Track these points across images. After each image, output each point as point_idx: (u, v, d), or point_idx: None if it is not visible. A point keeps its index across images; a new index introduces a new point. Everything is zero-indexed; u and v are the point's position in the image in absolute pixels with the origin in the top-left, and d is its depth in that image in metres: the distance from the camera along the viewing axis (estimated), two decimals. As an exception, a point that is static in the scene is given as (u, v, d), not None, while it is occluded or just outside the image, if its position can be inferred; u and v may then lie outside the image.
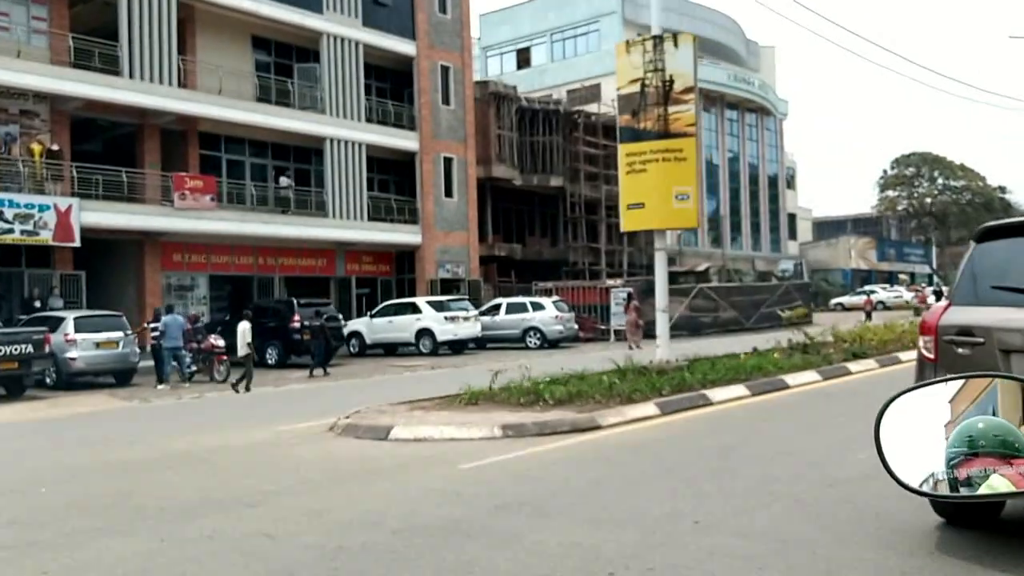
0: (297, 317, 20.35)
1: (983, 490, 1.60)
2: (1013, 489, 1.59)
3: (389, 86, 31.54)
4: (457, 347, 24.59)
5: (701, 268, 43.81)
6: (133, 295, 23.78)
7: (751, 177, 58.23)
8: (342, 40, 27.72)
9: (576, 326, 27.06)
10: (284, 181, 26.41)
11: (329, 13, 27.46)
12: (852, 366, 14.11)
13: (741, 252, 55.77)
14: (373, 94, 30.54)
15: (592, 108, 42.70)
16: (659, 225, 12.90)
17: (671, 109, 11.88)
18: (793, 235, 64.57)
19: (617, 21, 49.34)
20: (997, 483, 1.59)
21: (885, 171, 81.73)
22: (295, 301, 21.15)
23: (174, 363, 17.09)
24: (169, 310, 18.55)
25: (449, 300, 24.82)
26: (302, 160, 28.55)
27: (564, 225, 39.75)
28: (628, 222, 13.06)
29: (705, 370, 12.00)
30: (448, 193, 31.55)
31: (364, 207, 28.18)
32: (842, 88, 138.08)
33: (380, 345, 24.74)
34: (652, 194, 12.26)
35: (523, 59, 53.59)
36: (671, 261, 47.21)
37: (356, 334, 24.84)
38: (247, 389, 15.57)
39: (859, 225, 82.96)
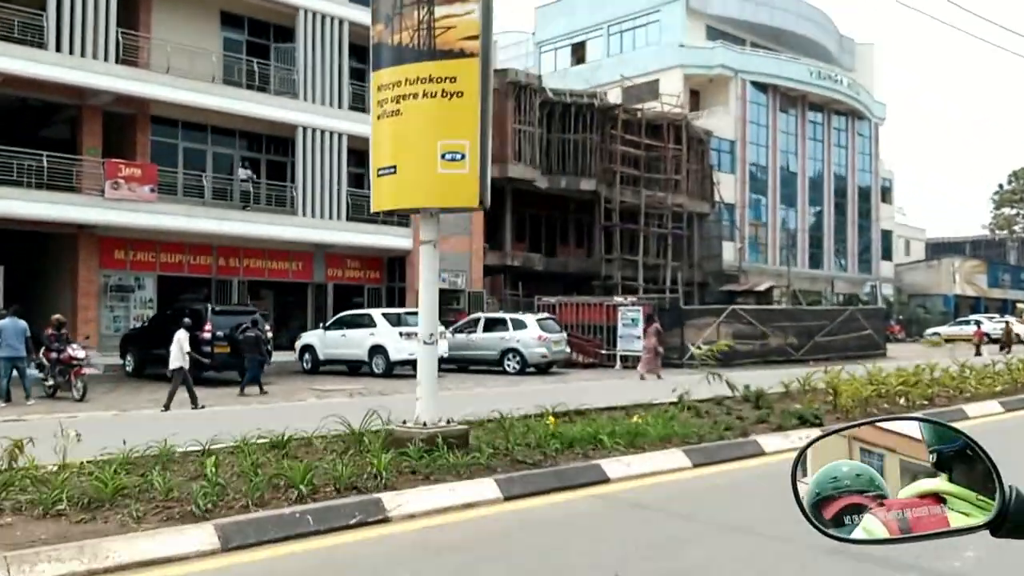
0: (208, 327, 17.37)
1: (857, 533, 1.53)
2: (887, 535, 1.51)
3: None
4: (420, 367, 21.19)
5: (762, 287, 38.94)
6: (68, 295, 21.52)
7: (837, 188, 52.52)
8: (322, 17, 24.89)
9: (567, 349, 23.14)
10: (243, 173, 23.69)
11: (308, -14, 24.70)
12: (772, 441, 9.13)
13: (821, 272, 50.13)
14: (366, 80, 27.62)
15: (649, 106, 38.68)
16: (419, 202, 8.09)
17: (440, 11, 7.59)
18: (888, 255, 58.04)
19: (679, 11, 45.04)
20: (872, 526, 1.52)
21: (1001, 185, 73.92)
22: (208, 308, 18.20)
23: (15, 375, 14.31)
24: (13, 313, 15.45)
25: (410, 313, 21.43)
26: (277, 151, 25.84)
27: (599, 234, 35.78)
28: (378, 197, 8.32)
29: (487, 439, 7.90)
30: (450, 193, 28.20)
31: (343, 205, 25.19)
32: (962, 90, 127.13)
33: (335, 361, 21.58)
34: (408, 152, 7.79)
35: (578, 54, 49.93)
36: (730, 278, 42.72)
37: (308, 348, 21.79)
38: (166, 407, 13.25)
39: (978, 248, 74.93)
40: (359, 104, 26.21)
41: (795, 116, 49.32)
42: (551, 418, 8.76)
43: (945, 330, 47.50)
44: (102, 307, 21.54)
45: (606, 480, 7.14)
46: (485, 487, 6.48)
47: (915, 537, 1.51)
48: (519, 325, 22.31)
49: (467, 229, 28.70)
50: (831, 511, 1.57)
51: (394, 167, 7.92)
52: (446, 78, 7.60)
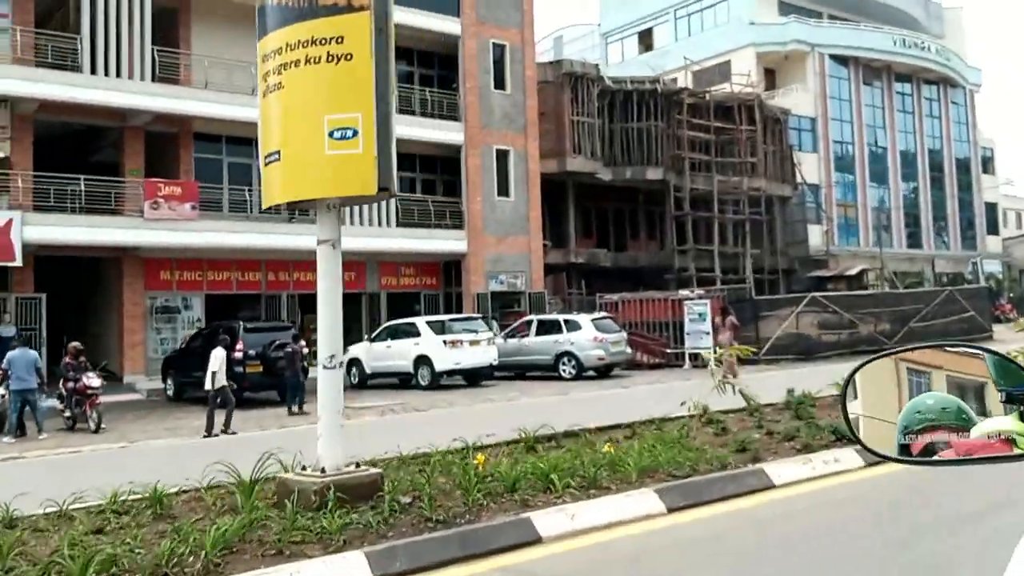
0: (240, 346, 16.74)
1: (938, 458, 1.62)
2: (960, 457, 1.61)
3: (433, 71, 27.71)
4: (472, 377, 20.15)
5: (853, 271, 36.30)
6: (114, 320, 21.41)
7: (932, 161, 48.91)
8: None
9: (627, 350, 21.63)
10: (286, 184, 23.12)
11: (347, -9, 24.00)
12: (787, 469, 7.17)
13: (920, 252, 46.71)
14: (415, 81, 26.86)
15: (722, 88, 36.70)
16: (307, 192, 6.66)
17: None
18: (994, 229, 53.79)
19: (748, -13, 42.64)
20: (946, 453, 1.62)
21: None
22: (242, 325, 17.57)
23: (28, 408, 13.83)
24: (20, 343, 14.96)
25: (455, 320, 20.41)
26: (324, 160, 25.26)
27: (671, 225, 33.98)
28: (267, 190, 6.89)
29: (406, 484, 6.46)
30: (503, 192, 27.13)
31: (392, 211, 24.42)
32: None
33: (384, 374, 20.72)
34: (293, 133, 6.41)
35: (645, 42, 48.11)
36: (818, 263, 40.09)
37: (355, 362, 21.00)
38: (207, 433, 12.94)
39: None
40: (406, 106, 25.46)
41: (881, 88, 46.14)
42: (480, 457, 7.03)
43: (1064, 308, 43.53)
44: (149, 330, 21.31)
45: (536, 540, 5.49)
46: (353, 565, 4.95)
47: (985, 459, 1.59)
48: (573, 326, 20.98)
49: (525, 228, 27.52)
50: (918, 445, 1.65)
51: (278, 152, 6.52)
52: (332, 39, 6.22)
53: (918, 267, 46.40)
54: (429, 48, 27.22)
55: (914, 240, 47.42)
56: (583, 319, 21.14)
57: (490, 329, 20.90)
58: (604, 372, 21.13)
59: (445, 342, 19.18)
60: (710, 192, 33.64)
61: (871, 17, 46.92)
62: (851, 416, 1.72)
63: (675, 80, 38.32)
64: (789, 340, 23.64)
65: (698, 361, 22.91)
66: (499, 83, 27.32)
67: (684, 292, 24.10)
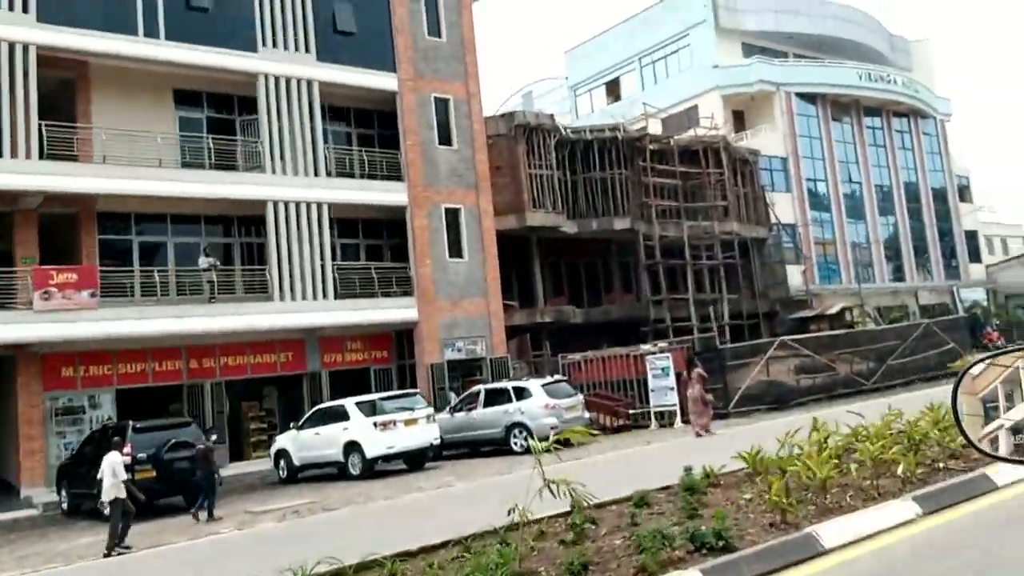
0: (128, 449, 14.26)
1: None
2: None
3: (373, 131, 25.86)
4: (416, 459, 17.70)
5: (833, 310, 34.15)
6: (9, 426, 18.89)
7: (908, 194, 47.44)
8: (287, 80, 22.29)
9: (585, 414, 19.26)
10: (204, 262, 20.80)
11: (267, 51, 22.14)
12: None
13: (904, 284, 44.75)
14: (354, 142, 24.99)
15: (688, 135, 35.09)
16: None
17: None
18: (977, 256, 52.10)
19: (709, 31, 41.60)
20: None
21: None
22: (131, 424, 15.13)
23: None
24: None
25: (388, 398, 18.04)
26: (251, 232, 23.05)
27: (645, 275, 31.87)
28: None
29: None
30: (456, 252, 24.98)
31: (329, 282, 22.19)
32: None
33: (316, 465, 18.21)
34: None
35: (613, 92, 46.80)
36: (799, 304, 37.95)
37: (282, 454, 18.51)
38: (107, 552, 11.42)
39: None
40: (343, 169, 23.52)
41: (850, 123, 44.84)
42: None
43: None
44: (49, 435, 18.73)
45: None
46: None
47: None
48: (522, 394, 18.65)
49: (482, 290, 25.32)
50: None
51: None
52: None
53: (902, 301, 44.49)
54: (367, 106, 25.42)
55: (897, 273, 45.60)
56: (533, 385, 18.84)
57: (435, 404, 18.58)
58: (566, 441, 18.67)
59: (376, 424, 16.82)
60: (681, 239, 31.65)
61: (837, 55, 45.85)
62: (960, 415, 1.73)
63: (644, 128, 36.75)
64: (760, 389, 21.48)
65: (664, 420, 20.62)
66: (445, 138, 25.41)
67: (645, 347, 21.84)
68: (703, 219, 32.96)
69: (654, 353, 20.81)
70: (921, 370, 25.65)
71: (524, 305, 29.45)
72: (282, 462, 18.45)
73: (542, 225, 28.15)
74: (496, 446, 18.88)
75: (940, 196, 49.74)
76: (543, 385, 18.78)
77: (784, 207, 39.26)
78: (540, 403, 18.30)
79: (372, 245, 25.62)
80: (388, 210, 24.42)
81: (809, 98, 42.32)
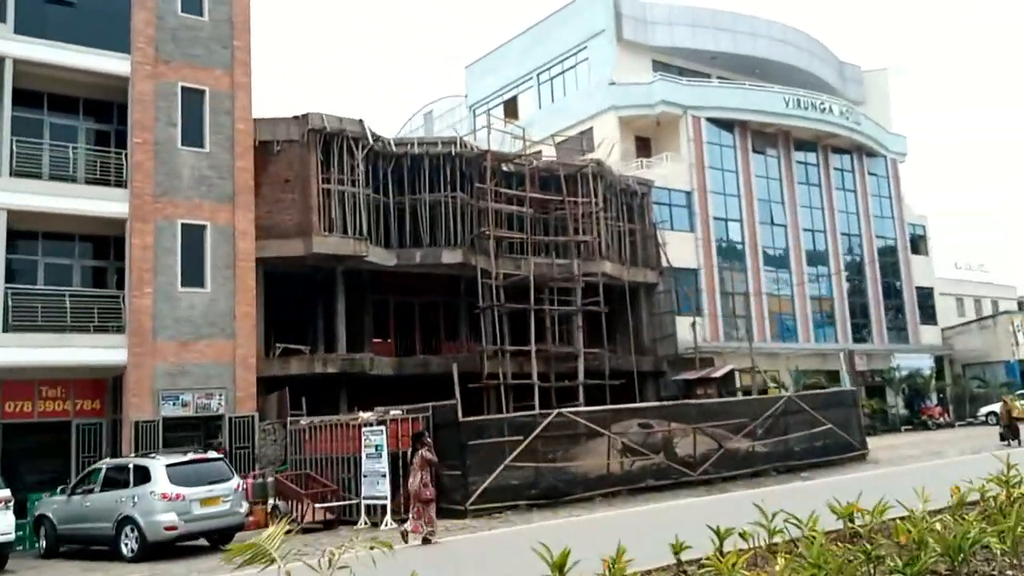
0: None
1: None
2: None
3: (110, 126, 21.10)
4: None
5: (719, 373, 28.89)
6: None
7: (848, 241, 42.40)
8: (-45, 52, 17.60)
9: (242, 509, 14.09)
10: None
11: (-66, 13, 17.52)
12: None
13: (834, 345, 39.46)
14: (81, 139, 20.22)
15: (582, 160, 30.23)
16: None
17: None
18: (931, 317, 46.79)
19: (608, 43, 36.90)
20: None
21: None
22: None
23: None
24: None
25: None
26: None
27: (483, 319, 26.82)
28: None
29: None
30: (194, 280, 19.99)
31: (-7, 311, 17.27)
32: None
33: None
34: None
35: (511, 111, 41.99)
36: (689, 363, 32.77)
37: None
38: None
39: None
40: (27, 166, 18.68)
41: (776, 157, 39.92)
42: None
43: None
44: None
45: None
46: None
47: None
48: (141, 476, 13.53)
49: (228, 329, 20.27)
50: None
51: None
52: None
53: (832, 364, 39.14)
54: (100, 96, 20.69)
55: (825, 334, 40.37)
56: (156, 464, 13.66)
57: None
58: (222, 538, 13.58)
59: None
60: (526, 277, 26.60)
61: (774, 82, 40.94)
62: None
63: (539, 153, 31.91)
64: (523, 478, 16.13)
65: (376, 515, 15.42)
66: (193, 139, 20.56)
67: (364, 415, 16.60)
68: (560, 257, 28.01)
69: (371, 425, 15.65)
70: (776, 459, 20.36)
71: (329, 350, 24.50)
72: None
73: (337, 253, 23.20)
74: (107, 546, 13.74)
75: (889, 247, 44.75)
76: (171, 465, 13.62)
77: (685, 249, 34.29)
78: (159, 491, 13.15)
79: (95, 267, 20.73)
80: (107, 224, 19.56)
81: (725, 125, 37.48)
